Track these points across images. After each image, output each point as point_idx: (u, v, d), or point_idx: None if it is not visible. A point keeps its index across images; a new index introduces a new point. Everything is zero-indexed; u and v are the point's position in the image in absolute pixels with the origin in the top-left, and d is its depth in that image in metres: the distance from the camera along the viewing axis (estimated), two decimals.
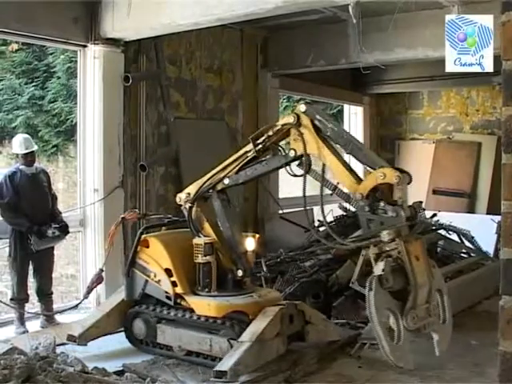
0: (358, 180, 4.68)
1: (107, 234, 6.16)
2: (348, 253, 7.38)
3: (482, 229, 9.22)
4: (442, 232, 8.90)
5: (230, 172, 5.37)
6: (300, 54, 9.12)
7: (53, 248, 6.66)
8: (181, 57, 8.19)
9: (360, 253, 6.64)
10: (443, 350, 4.50)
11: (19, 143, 6.49)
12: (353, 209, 8.67)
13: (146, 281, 5.67)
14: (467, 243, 9.04)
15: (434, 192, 11.74)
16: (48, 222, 6.43)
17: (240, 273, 5.42)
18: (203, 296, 5.40)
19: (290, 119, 4.99)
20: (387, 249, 4.32)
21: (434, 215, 9.32)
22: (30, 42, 9.37)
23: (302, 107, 4.98)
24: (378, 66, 8.67)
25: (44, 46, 11.03)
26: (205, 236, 5.51)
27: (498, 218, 8.84)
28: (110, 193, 7.15)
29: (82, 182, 7.34)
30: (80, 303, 6.52)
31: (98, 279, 6.13)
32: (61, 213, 6.76)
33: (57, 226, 6.45)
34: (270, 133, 5.14)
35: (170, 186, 7.75)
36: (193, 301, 5.42)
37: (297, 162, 5.08)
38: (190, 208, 5.55)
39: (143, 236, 5.79)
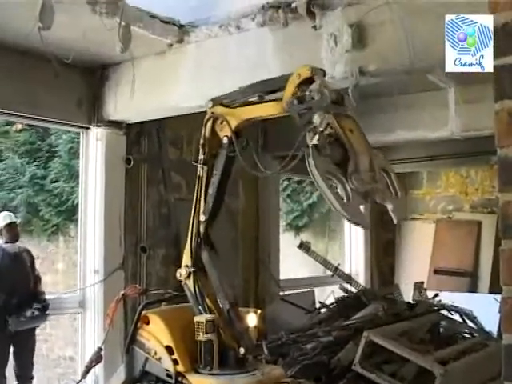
0: (279, 100, 4.70)
1: (107, 311, 6.10)
2: (350, 334, 7.35)
3: (485, 308, 9.15)
4: (444, 312, 8.84)
5: (200, 207, 5.30)
6: (299, 135, 9.19)
7: (34, 329, 6.57)
8: (182, 138, 8.27)
9: (362, 335, 6.66)
10: (400, 218, 4.68)
11: (2, 218, 6.58)
12: (354, 290, 8.69)
13: (147, 358, 5.54)
14: (470, 323, 8.96)
15: (436, 272, 11.70)
16: (29, 302, 6.37)
17: (242, 350, 5.32)
18: (205, 375, 5.26)
19: (208, 119, 5.13)
20: (321, 129, 4.34)
21: (436, 295, 9.27)
22: (34, 124, 9.52)
23: (208, 104, 5.14)
24: (378, 147, 8.75)
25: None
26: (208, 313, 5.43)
27: (500, 296, 8.78)
28: (111, 274, 7.13)
29: (83, 263, 7.32)
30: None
31: (96, 358, 6.04)
32: (44, 293, 6.71)
33: (38, 306, 6.40)
34: (202, 141, 5.19)
35: (171, 268, 7.69)
36: (194, 379, 5.27)
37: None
38: (194, 281, 5.46)
39: (143, 312, 5.73)
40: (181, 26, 6.14)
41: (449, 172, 12.37)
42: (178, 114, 6.99)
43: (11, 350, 6.45)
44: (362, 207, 4.46)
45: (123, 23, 5.34)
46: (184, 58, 6.40)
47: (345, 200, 4.24)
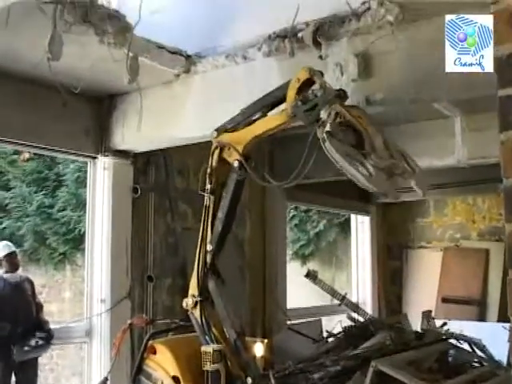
0: (282, 112, 4.82)
1: (113, 341, 6.08)
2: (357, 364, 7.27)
3: (494, 337, 9.06)
4: (453, 341, 8.75)
5: (207, 237, 5.28)
6: (307, 144, 9.18)
7: (36, 359, 6.54)
8: (189, 168, 8.27)
9: (369, 364, 6.59)
10: (425, 191, 4.63)
11: (1, 248, 6.60)
12: (361, 319, 8.61)
13: None
14: (479, 352, 8.87)
15: (444, 300, 11.62)
16: (31, 331, 6.35)
17: (249, 380, 5.26)
18: None
19: (214, 149, 5.21)
20: (330, 122, 4.41)
21: (444, 324, 9.19)
22: (41, 153, 9.57)
23: (213, 134, 5.24)
24: None
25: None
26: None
27: (509, 325, 8.71)
28: (117, 304, 7.11)
29: (89, 292, 7.31)
30: None
31: None
32: (48, 322, 6.69)
33: (41, 335, 6.37)
34: (209, 171, 5.23)
35: (178, 298, 7.67)
36: None
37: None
38: (201, 310, 5.43)
39: (150, 342, 5.69)
40: (188, 57, 6.18)
41: (456, 200, 12.36)
42: (185, 143, 7.01)
43: (13, 379, 6.41)
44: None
45: (131, 54, 5.38)
46: (191, 88, 6.43)
47: (368, 175, 4.34)
